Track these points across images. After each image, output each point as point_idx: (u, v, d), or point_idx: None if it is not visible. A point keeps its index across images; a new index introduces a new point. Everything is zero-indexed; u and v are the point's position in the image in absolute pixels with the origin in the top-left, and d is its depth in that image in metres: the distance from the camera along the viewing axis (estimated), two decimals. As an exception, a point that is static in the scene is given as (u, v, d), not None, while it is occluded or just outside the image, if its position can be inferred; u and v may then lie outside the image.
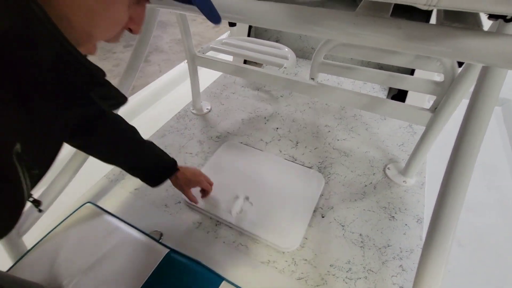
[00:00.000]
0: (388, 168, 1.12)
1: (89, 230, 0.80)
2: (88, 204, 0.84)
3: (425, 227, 0.96)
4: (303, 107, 1.44)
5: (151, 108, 1.60)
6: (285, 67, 1.14)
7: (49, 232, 0.78)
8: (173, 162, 0.84)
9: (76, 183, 0.96)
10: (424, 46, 0.41)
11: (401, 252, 0.86)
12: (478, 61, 0.39)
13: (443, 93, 0.87)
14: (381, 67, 1.53)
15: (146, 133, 1.22)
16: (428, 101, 1.37)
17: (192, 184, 0.88)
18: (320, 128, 1.32)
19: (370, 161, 1.15)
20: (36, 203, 0.51)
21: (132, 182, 1.05)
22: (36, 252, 0.75)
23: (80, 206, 0.83)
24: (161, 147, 0.81)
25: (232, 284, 0.70)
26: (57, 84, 0.34)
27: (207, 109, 1.44)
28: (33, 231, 0.84)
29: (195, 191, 0.92)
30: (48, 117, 0.37)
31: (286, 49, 1.24)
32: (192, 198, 0.90)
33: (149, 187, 0.80)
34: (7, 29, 0.26)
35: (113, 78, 3.02)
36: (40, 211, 0.72)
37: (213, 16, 0.41)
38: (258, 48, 1.26)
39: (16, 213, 0.34)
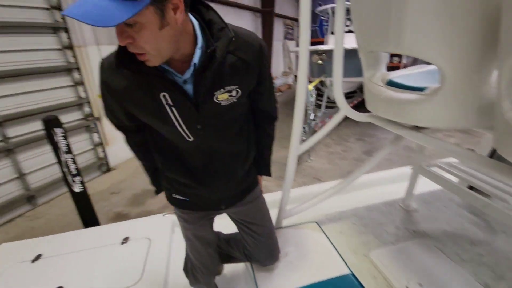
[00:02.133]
0: None
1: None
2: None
3: None
4: (525, 251, 1.33)
5: (368, 189, 2.08)
6: (512, 205, 1.22)
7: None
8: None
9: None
10: None
11: None
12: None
13: None
14: None
15: (358, 204, 1.71)
16: None
17: None
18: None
19: None
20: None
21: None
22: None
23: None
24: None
25: None
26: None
27: (414, 208, 1.70)
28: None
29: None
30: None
31: (519, 189, 1.30)
32: None
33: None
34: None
35: (343, 159, 3.84)
36: None
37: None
38: (489, 180, 1.37)
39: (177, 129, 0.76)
